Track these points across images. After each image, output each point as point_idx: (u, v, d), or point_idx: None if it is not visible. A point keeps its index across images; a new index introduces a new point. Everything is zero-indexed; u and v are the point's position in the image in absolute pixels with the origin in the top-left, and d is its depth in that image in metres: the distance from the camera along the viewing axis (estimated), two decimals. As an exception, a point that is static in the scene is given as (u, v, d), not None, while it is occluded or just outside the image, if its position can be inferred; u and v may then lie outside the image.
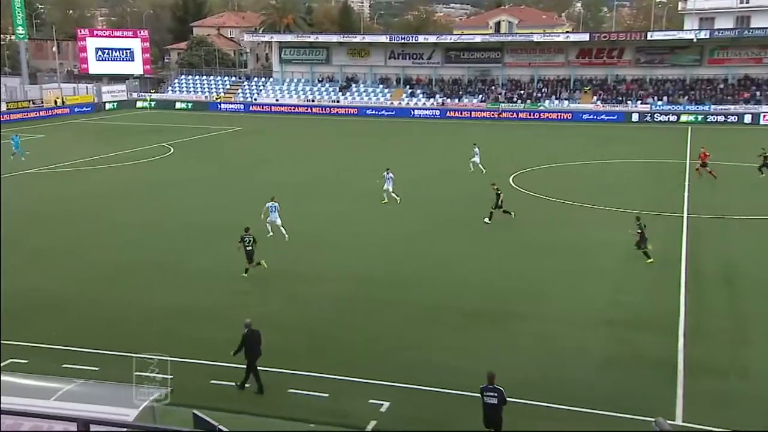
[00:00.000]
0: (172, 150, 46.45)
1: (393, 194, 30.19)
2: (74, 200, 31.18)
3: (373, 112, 71.94)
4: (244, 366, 14.11)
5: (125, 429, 7.81)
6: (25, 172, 37.48)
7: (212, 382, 14.33)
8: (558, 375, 14.85)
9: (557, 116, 67.65)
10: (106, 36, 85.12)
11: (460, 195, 32.30)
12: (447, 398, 13.75)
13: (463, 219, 27.82)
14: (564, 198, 31.56)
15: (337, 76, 78.90)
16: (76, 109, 69.67)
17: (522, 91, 72.52)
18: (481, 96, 72.80)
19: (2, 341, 16.03)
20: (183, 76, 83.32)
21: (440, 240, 25.06)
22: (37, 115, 65.29)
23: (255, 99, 77.35)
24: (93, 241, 24.67)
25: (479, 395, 11.88)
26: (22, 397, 9.08)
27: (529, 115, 68.48)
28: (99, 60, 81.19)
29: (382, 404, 13.57)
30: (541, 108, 69.47)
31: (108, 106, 73.79)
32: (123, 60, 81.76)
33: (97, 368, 14.48)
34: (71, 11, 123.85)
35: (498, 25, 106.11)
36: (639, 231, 22.08)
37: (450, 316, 18.11)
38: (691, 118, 64.14)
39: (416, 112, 71.23)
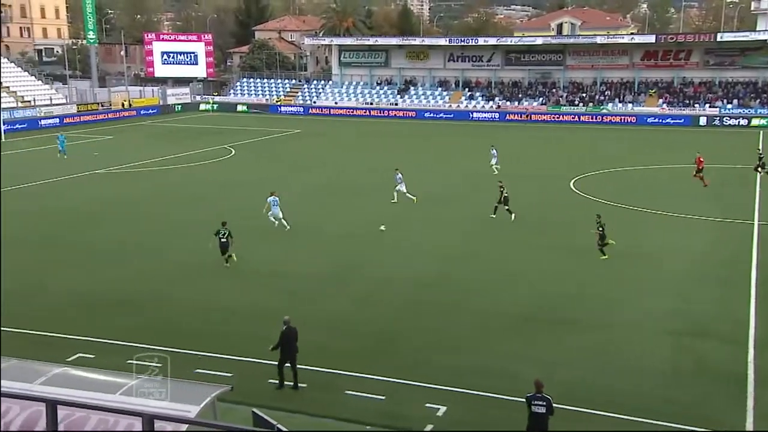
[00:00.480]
0: (234, 152, 47.39)
1: (408, 194, 30.49)
2: (142, 200, 32.12)
3: (431, 115, 71.80)
4: (299, 365, 14.26)
5: (187, 425, 7.97)
6: (95, 172, 38.83)
7: (270, 381, 14.52)
8: (619, 385, 14.48)
9: (620, 119, 66.13)
10: (171, 40, 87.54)
11: (516, 198, 31.88)
12: (504, 404, 13.57)
13: (522, 223, 27.44)
14: (627, 203, 30.81)
15: (396, 78, 79.09)
16: (142, 112, 71.87)
17: (584, 94, 71.18)
18: (541, 99, 71.80)
19: (70, 337, 16.65)
20: (244, 79, 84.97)
21: (497, 244, 24.78)
22: (106, 117, 67.58)
23: (314, 102, 78.23)
24: (160, 240, 25.35)
25: (525, 403, 11.69)
26: (90, 391, 9.37)
27: (591, 119, 67.15)
28: (164, 63, 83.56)
29: (439, 408, 13.50)
30: (604, 111, 68.03)
31: (178, 108, 75.83)
32: (187, 63, 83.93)
33: (160, 364, 14.83)
34: (139, 16, 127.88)
35: (560, 26, 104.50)
36: (600, 229, 22.75)
37: (508, 321, 17.89)
38: (763, 122, 61.73)
39: (474, 115, 70.75)
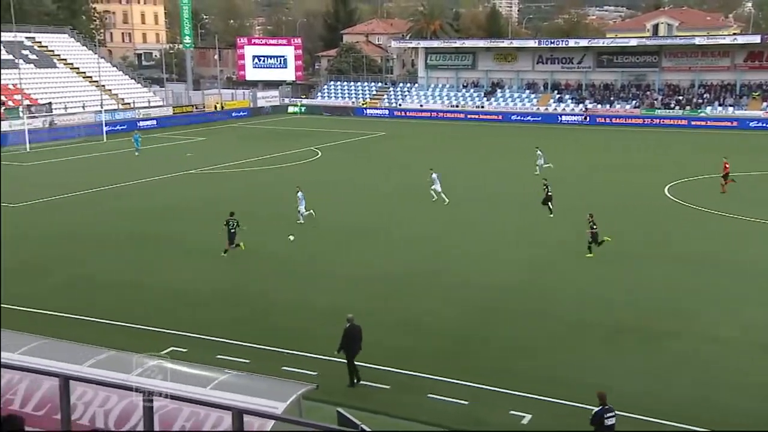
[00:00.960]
0: (320, 153, 48.20)
1: (442, 194, 31.22)
2: (234, 199, 33.08)
3: (518, 117, 70.74)
4: (383, 367, 14.31)
5: (274, 421, 8.11)
6: (188, 172, 40.34)
7: (363, 382, 14.62)
8: (710, 400, 13.78)
9: (720, 123, 63.08)
10: (262, 44, 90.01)
11: (608, 204, 30.93)
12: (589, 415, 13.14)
13: (613, 230, 26.59)
14: (724, 210, 29.34)
15: (483, 81, 78.41)
16: (233, 114, 74.21)
17: (680, 97, 68.34)
18: (634, 102, 69.45)
19: (165, 331, 17.32)
20: (332, 82, 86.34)
21: (584, 252, 24.09)
22: (199, 119, 70.16)
23: (399, 104, 78.53)
24: (251, 238, 26.02)
25: (594, 419, 11.29)
26: (181, 384, 9.70)
27: (688, 122, 64.39)
28: (255, 67, 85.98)
29: (524, 416, 13.24)
30: (702, 115, 65.09)
31: (299, 109, 77.88)
32: (277, 67, 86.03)
33: (248, 361, 15.25)
34: (232, 21, 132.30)
35: (656, 27, 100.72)
36: (593, 228, 23.10)
37: (598, 331, 17.36)
38: None
39: (563, 118, 69.19)
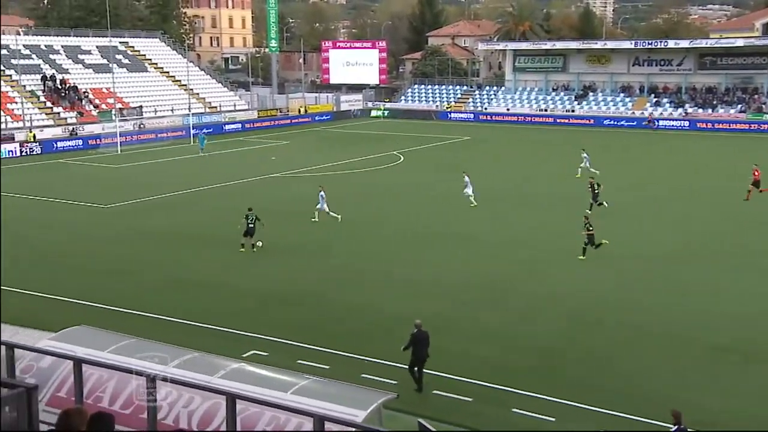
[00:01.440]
0: (402, 158, 48.39)
1: (471, 198, 31.83)
2: (313, 202, 33.68)
3: (611, 122, 68.83)
4: (467, 379, 14.18)
5: (354, 429, 8.16)
6: (272, 175, 41.34)
7: (434, 392, 14.57)
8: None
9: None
10: (347, 47, 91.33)
11: (714, 215, 29.64)
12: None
13: (717, 241, 25.42)
14: None
15: (574, 84, 76.77)
16: (316, 117, 75.57)
17: (792, 101, 64.77)
18: (740, 106, 66.30)
19: (247, 334, 17.75)
20: (415, 86, 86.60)
21: (685, 263, 23.13)
22: (283, 122, 71.83)
23: (485, 108, 77.90)
24: (331, 241, 26.46)
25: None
26: (263, 387, 9.91)
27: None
28: (340, 70, 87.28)
29: (613, 438, 12.82)
30: (816, 120, 61.46)
31: (346, 114, 79.01)
32: (361, 70, 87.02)
33: (327, 366, 15.44)
34: (317, 24, 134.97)
35: (766, 26, 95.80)
36: (589, 229, 23.53)
37: (697, 350, 16.64)
38: None
39: (660, 123, 66.80)
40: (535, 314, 19.05)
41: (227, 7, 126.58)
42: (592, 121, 69.42)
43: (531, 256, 24.38)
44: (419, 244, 25.95)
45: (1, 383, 5.09)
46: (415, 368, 14.62)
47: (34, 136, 50.46)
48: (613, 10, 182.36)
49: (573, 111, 73.02)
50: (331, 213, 28.95)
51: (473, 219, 30.08)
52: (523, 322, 18.51)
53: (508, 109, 76.28)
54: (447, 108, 79.60)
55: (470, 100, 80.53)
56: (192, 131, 56.54)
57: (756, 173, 33.03)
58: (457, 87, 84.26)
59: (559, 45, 78.56)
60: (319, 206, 29.02)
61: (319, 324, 18.47)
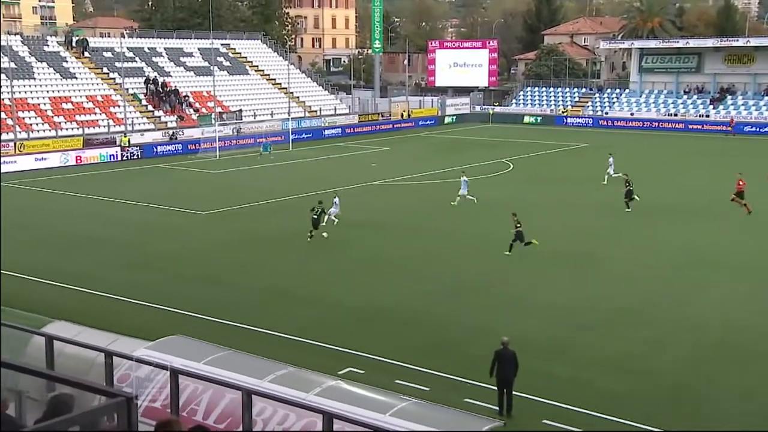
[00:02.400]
0: (512, 166, 47.85)
1: (467, 196, 34.08)
2: (418, 213, 33.89)
3: (753, 129, 65.51)
4: (590, 412, 13.84)
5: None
6: (371, 183, 41.88)
7: (544, 421, 14.28)
8: None
9: None
10: (455, 47, 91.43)
11: None
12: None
13: None
14: None
15: (709, 86, 73.63)
16: (420, 122, 75.99)
17: None
18: None
19: (343, 350, 18.02)
20: (528, 88, 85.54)
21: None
22: (384, 127, 72.63)
23: (606, 113, 76.01)
24: (435, 257, 26.52)
25: None
26: (360, 408, 10.01)
27: None
28: (446, 72, 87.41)
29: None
30: None
31: (450, 119, 79.04)
32: (470, 72, 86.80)
33: (427, 388, 15.43)
34: (424, 23, 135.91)
35: None
36: (517, 226, 25.88)
37: None
38: None
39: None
40: (670, 343, 18.39)
41: (330, 7, 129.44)
42: (730, 128, 66.25)
43: (665, 276, 23.52)
44: (536, 263, 25.56)
45: (101, 391, 5.41)
46: (503, 390, 14.38)
47: (129, 141, 53.15)
48: (759, 3, 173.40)
49: (708, 116, 69.96)
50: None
51: (598, 235, 29.35)
52: (656, 351, 17.95)
53: (632, 114, 74.12)
54: (563, 112, 78.22)
55: (589, 103, 78.82)
56: (291, 136, 58.16)
57: (740, 184, 32.76)
58: (575, 90, 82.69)
59: (693, 43, 75.58)
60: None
61: (419, 343, 18.49)
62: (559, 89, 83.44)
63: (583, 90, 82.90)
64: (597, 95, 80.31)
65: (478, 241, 28.62)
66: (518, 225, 26.08)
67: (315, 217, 28.05)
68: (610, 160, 41.24)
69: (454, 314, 20.58)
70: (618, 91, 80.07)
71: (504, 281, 23.64)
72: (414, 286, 23.15)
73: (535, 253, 26.47)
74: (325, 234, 28.53)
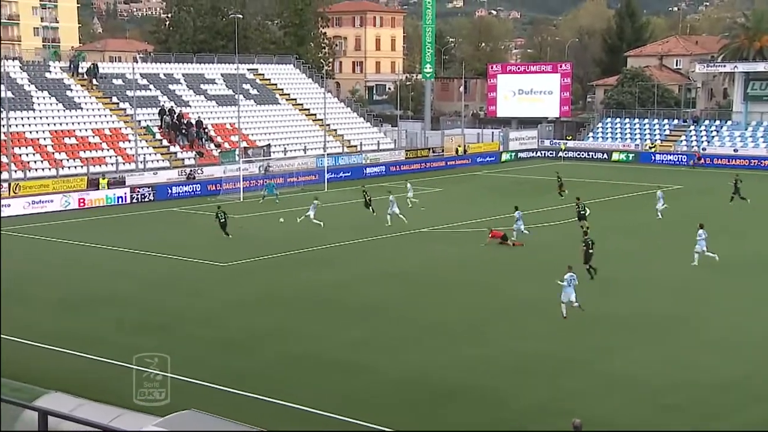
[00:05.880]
0: (588, 211, 47.54)
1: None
2: (469, 267, 33.88)
3: None
4: None
5: None
6: (419, 231, 42.00)
7: None
8: None
9: None
10: (519, 72, 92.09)
11: None
12: None
13: None
14: None
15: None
16: (478, 159, 76.30)
17: None
18: None
19: (386, 430, 18.02)
20: (608, 119, 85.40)
21: None
22: (436, 165, 72.96)
23: (703, 149, 75.45)
24: (482, 321, 26.44)
25: None
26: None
27: None
28: (509, 100, 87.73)
29: None
30: None
31: (512, 156, 79.16)
32: (538, 101, 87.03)
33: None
34: (483, 44, 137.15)
35: None
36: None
37: None
38: None
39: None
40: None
41: (374, 26, 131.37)
42: (696, 160, 65.62)
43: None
44: (612, 325, 25.32)
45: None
46: None
47: (108, 183, 52.99)
48: None
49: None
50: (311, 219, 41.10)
51: (685, 295, 28.97)
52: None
53: (735, 150, 73.51)
54: (650, 148, 77.76)
55: (683, 137, 78.41)
56: (327, 175, 58.76)
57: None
58: (665, 121, 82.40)
59: (812, 65, 74.90)
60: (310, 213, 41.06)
61: (475, 422, 18.40)
62: (646, 121, 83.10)
63: (675, 122, 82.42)
64: (692, 128, 79.75)
65: (543, 303, 28.44)
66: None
67: (222, 221, 38.32)
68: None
69: (514, 388, 20.46)
70: (718, 123, 79.46)
71: (571, 348, 23.47)
72: (465, 353, 23.15)
73: (610, 314, 26.22)
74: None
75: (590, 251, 30.88)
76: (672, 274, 32.40)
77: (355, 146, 72.94)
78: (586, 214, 41.84)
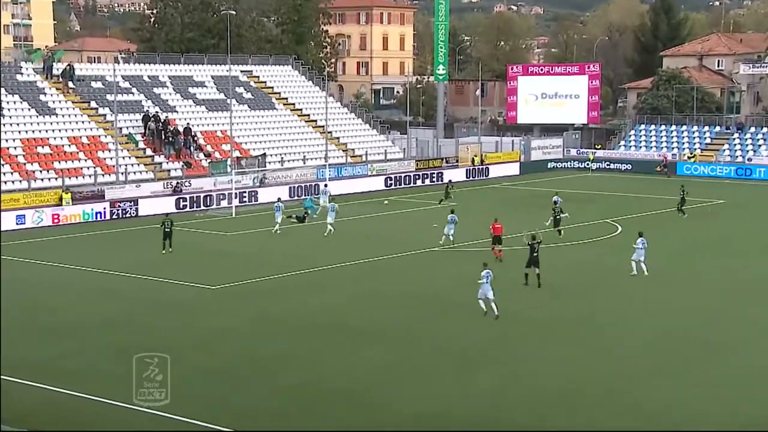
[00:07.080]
0: (620, 228, 47.56)
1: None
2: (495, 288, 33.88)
3: None
4: None
5: None
6: (430, 250, 42.04)
7: None
8: None
9: None
10: (542, 73, 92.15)
11: None
12: None
13: None
14: None
15: None
16: (497, 170, 76.26)
17: None
18: None
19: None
20: (642, 126, 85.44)
21: None
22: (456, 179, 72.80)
23: (749, 159, 75.47)
24: (502, 348, 26.45)
25: None
26: None
27: None
28: (531, 105, 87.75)
29: None
30: None
31: (535, 166, 79.13)
32: (563, 105, 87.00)
33: None
34: (502, 42, 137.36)
35: None
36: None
37: None
38: None
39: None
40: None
41: (381, 23, 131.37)
42: (661, 167, 66.13)
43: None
44: (659, 354, 25.35)
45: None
46: None
47: (73, 197, 52.52)
48: None
49: None
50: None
51: (747, 324, 29.13)
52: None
53: (784, 161, 73.48)
54: (689, 158, 77.73)
55: (726, 146, 78.48)
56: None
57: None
58: (705, 128, 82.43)
59: None
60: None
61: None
62: (684, 128, 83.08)
63: (717, 129, 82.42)
64: (736, 135, 79.78)
65: (572, 326, 28.46)
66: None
67: (167, 230, 40.56)
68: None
69: (550, 422, 20.45)
70: (765, 130, 79.55)
71: (609, 380, 23.42)
72: (488, 388, 23.20)
73: (659, 343, 26.29)
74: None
75: (535, 254, 33.41)
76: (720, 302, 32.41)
77: (360, 156, 72.95)
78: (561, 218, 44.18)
